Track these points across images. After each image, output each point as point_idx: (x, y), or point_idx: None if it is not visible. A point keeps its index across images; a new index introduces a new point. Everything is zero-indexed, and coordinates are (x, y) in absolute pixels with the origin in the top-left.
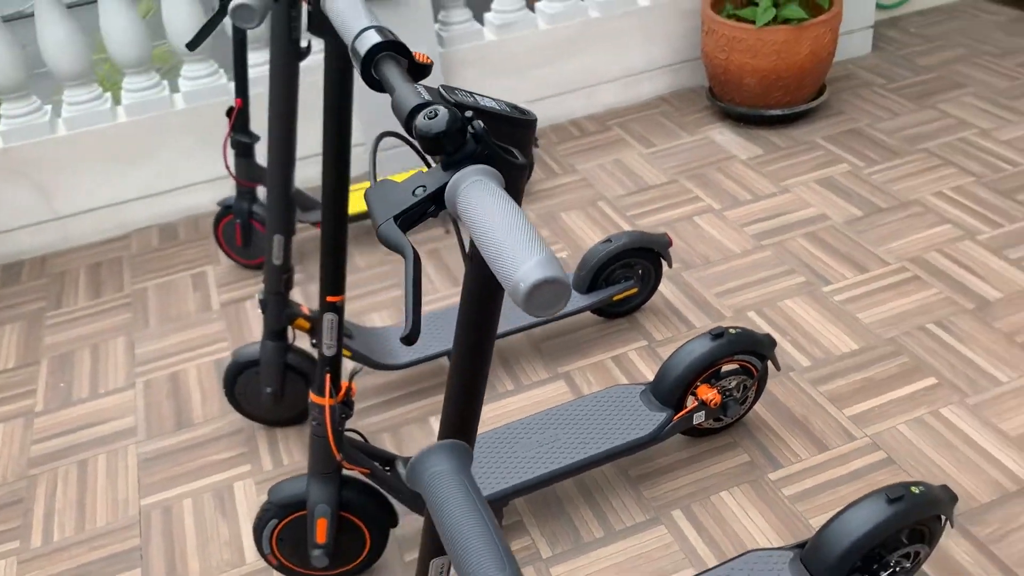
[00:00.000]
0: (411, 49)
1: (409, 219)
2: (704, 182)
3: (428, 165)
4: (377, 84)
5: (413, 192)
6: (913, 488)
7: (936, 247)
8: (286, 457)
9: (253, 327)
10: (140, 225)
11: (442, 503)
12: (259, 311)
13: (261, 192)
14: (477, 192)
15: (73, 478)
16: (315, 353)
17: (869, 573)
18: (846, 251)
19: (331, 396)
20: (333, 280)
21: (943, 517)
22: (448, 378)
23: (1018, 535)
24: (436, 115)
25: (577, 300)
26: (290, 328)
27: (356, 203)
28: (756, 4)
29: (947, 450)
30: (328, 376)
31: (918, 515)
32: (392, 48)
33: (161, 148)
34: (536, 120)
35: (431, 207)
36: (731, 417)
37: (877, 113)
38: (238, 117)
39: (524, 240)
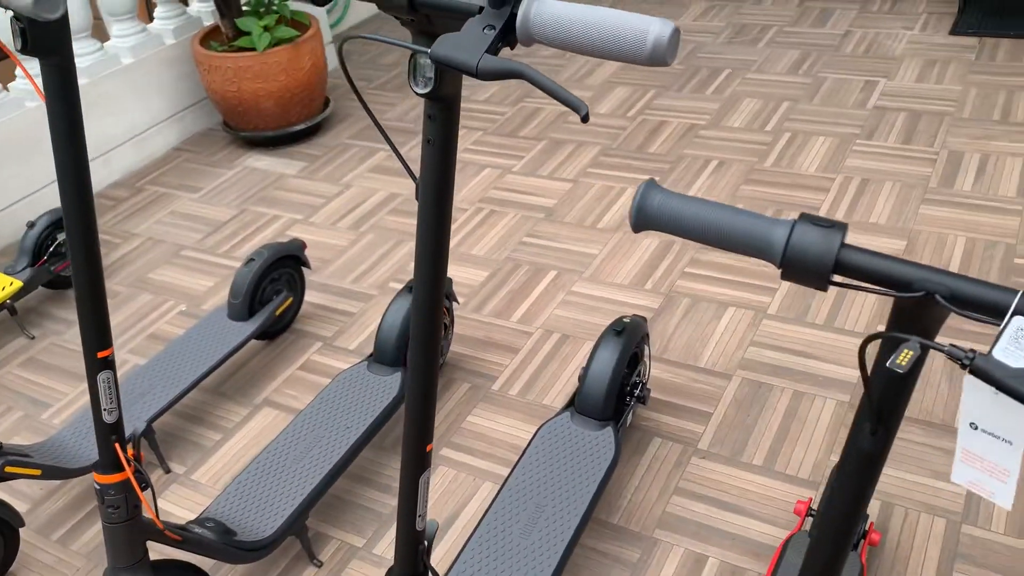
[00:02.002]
0: None
1: (494, 51)
2: (273, 203)
3: (359, 101)
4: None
5: (483, 31)
6: (624, 319)
7: (491, 186)
8: None
9: None
10: None
11: (681, 210)
12: None
13: None
14: (555, 6)
15: None
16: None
17: (628, 395)
18: None
19: (128, 465)
20: (99, 330)
21: (646, 338)
22: (415, 270)
23: (673, 338)
24: None
25: (246, 328)
26: None
27: None
28: (243, 35)
29: (594, 311)
30: (116, 445)
31: (636, 337)
32: None
33: None
34: None
35: (502, 40)
36: (446, 355)
37: (379, 108)
38: None
39: (632, 14)
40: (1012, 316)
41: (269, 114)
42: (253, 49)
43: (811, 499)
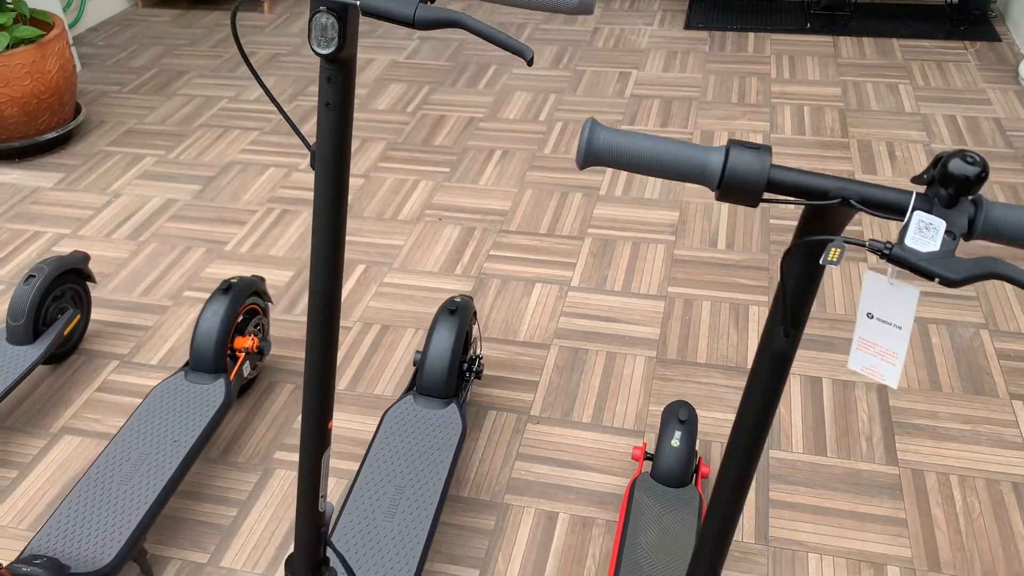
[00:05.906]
0: None
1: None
2: (31, 218)
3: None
4: None
5: None
6: (455, 299)
7: (279, 185)
8: None
9: None
10: None
11: (624, 144)
12: None
13: None
14: None
15: None
16: None
17: (466, 371)
18: (215, 216)
19: None
20: None
21: (474, 316)
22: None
23: (491, 317)
24: None
25: (31, 352)
26: None
27: None
28: None
29: (409, 300)
30: None
31: (468, 315)
32: None
33: None
34: None
35: None
36: (267, 356)
37: (137, 113)
38: None
39: None
40: (913, 211)
41: (13, 123)
42: None
43: (644, 444)
